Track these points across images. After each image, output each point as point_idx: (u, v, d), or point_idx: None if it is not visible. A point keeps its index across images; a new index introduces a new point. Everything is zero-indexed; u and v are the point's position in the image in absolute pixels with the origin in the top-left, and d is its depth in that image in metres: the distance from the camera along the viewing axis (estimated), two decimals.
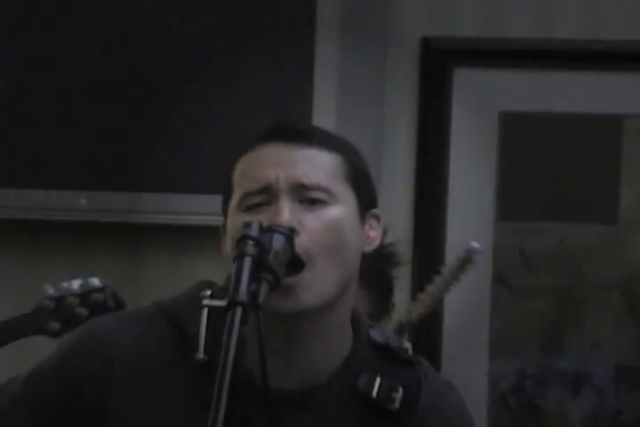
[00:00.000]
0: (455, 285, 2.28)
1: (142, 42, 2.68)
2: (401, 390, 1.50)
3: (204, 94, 2.58)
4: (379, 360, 1.53)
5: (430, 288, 2.25)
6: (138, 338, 1.55)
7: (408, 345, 1.57)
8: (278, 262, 1.32)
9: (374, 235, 1.44)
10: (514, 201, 2.70)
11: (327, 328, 1.47)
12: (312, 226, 1.39)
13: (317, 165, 1.44)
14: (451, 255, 2.56)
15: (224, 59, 2.54)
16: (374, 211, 1.42)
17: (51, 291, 2.33)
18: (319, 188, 1.41)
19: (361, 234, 1.44)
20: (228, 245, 1.47)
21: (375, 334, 1.52)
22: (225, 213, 1.50)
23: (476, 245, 2.23)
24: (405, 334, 2.31)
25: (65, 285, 2.33)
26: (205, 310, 1.38)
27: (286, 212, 1.37)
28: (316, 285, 1.42)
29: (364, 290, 1.97)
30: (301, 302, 1.38)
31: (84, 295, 2.32)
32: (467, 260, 2.23)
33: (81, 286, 2.33)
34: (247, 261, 1.30)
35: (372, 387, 1.50)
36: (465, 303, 2.61)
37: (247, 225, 1.32)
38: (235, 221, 1.44)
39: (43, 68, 2.71)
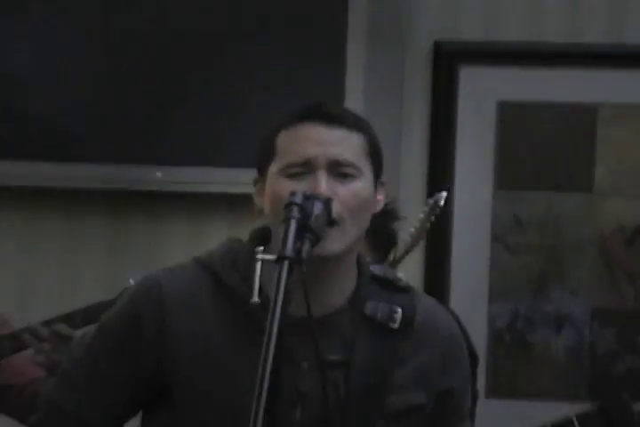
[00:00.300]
0: (429, 226, 2.62)
1: (196, 39, 3.00)
2: (399, 311, 1.71)
3: (256, 86, 2.94)
4: (380, 289, 1.74)
5: (410, 230, 2.59)
6: (183, 286, 1.76)
7: (402, 276, 1.83)
8: (318, 224, 1.52)
9: (381, 198, 1.66)
10: (509, 174, 3.10)
11: (341, 269, 1.67)
12: (343, 195, 1.60)
13: (349, 145, 1.64)
14: (457, 216, 3.04)
15: (273, 73, 2.92)
16: (382, 179, 1.65)
17: (132, 280, 2.60)
18: (349, 164, 1.62)
19: (375, 199, 1.65)
20: (266, 203, 1.68)
21: (375, 269, 1.74)
22: (261, 170, 1.72)
23: (443, 194, 2.56)
24: (397, 267, 2.61)
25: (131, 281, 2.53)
26: (259, 262, 1.55)
27: (324, 184, 1.58)
28: (341, 238, 1.63)
29: (367, 240, 2.18)
30: (328, 250, 1.58)
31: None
32: (436, 204, 2.57)
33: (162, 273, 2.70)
34: (293, 224, 1.50)
35: (377, 311, 1.71)
36: (469, 258, 3.06)
37: (293, 194, 1.53)
38: (276, 185, 1.65)
39: (129, 62, 3.06)
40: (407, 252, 2.65)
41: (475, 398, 2.61)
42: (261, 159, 1.70)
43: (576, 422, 1.99)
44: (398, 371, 1.74)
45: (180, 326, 1.73)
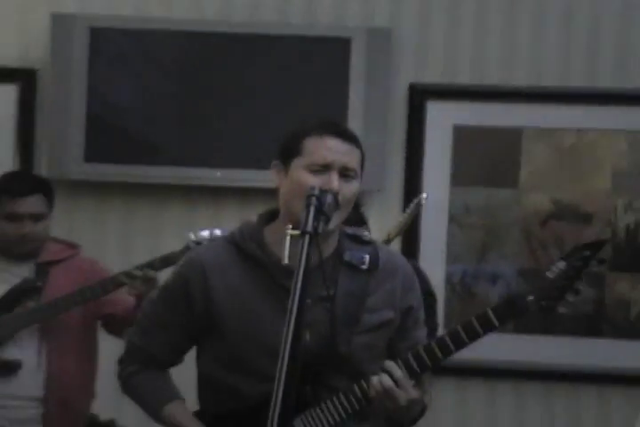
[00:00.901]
0: (413, 218, 3.40)
1: (244, 79, 3.85)
2: (367, 257, 2.21)
3: (290, 115, 3.76)
4: (352, 243, 2.25)
5: (399, 220, 3.37)
6: (215, 256, 2.24)
7: (367, 233, 2.36)
8: (329, 210, 1.99)
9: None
10: (461, 175, 4.02)
11: (333, 234, 2.16)
12: (345, 191, 2.11)
13: (353, 156, 2.15)
14: (426, 204, 3.78)
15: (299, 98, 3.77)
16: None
17: (192, 237, 3.21)
18: (353, 170, 2.13)
19: (358, 189, 2.15)
20: (288, 186, 2.15)
21: (348, 230, 2.25)
22: (284, 159, 2.17)
23: (424, 195, 3.41)
24: (390, 244, 3.28)
25: (201, 233, 3.18)
26: (287, 236, 1.99)
27: (336, 182, 2.07)
28: (339, 218, 2.12)
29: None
30: (331, 226, 2.06)
31: (212, 241, 3.02)
32: (419, 204, 3.37)
33: (209, 234, 3.17)
34: (312, 210, 1.97)
35: (352, 257, 2.20)
36: (433, 232, 3.98)
37: (312, 188, 2.00)
38: (301, 177, 2.11)
39: (199, 93, 3.89)
40: (398, 233, 3.42)
41: (435, 328, 3.29)
42: (287, 152, 2.18)
43: (491, 313, 2.16)
44: (370, 298, 2.20)
45: (217, 284, 2.22)
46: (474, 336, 2.09)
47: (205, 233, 3.17)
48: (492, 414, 4.08)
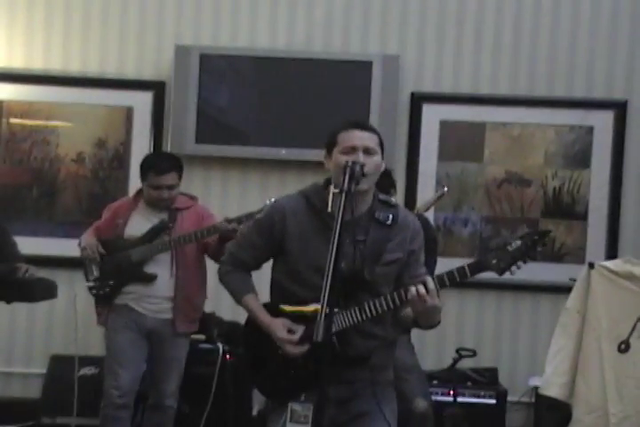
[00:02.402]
0: (436, 202, 4.11)
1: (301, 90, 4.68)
2: (391, 215, 2.62)
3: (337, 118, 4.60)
4: (382, 205, 2.64)
5: (428, 200, 4.10)
6: (292, 204, 2.68)
7: (394, 199, 2.74)
8: (358, 176, 2.47)
9: (381, 164, 2.59)
10: (445, 153, 4.92)
11: (365, 196, 2.56)
12: (370, 163, 2.56)
13: (372, 140, 2.62)
14: (421, 174, 4.78)
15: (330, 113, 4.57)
16: (383, 156, 2.58)
17: (268, 201, 3.55)
18: (372, 148, 2.60)
19: (381, 164, 2.58)
20: (333, 166, 2.55)
21: (380, 196, 2.64)
22: (328, 150, 2.60)
23: (445, 188, 4.07)
24: (423, 213, 3.76)
25: (272, 200, 3.34)
26: (331, 193, 2.45)
27: (362, 157, 2.55)
28: (366, 182, 2.53)
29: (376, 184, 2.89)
30: (362, 188, 2.50)
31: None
32: (442, 193, 4.09)
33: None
34: (347, 175, 2.46)
35: (380, 215, 2.61)
36: (425, 192, 4.77)
37: (347, 161, 2.49)
38: (339, 158, 2.57)
39: (273, 96, 4.70)
40: (424, 211, 4.02)
41: (435, 262, 3.85)
42: (329, 146, 2.65)
43: (467, 268, 2.49)
44: (390, 243, 2.61)
45: (291, 223, 2.66)
46: (453, 280, 2.52)
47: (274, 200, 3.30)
48: (460, 312, 4.99)
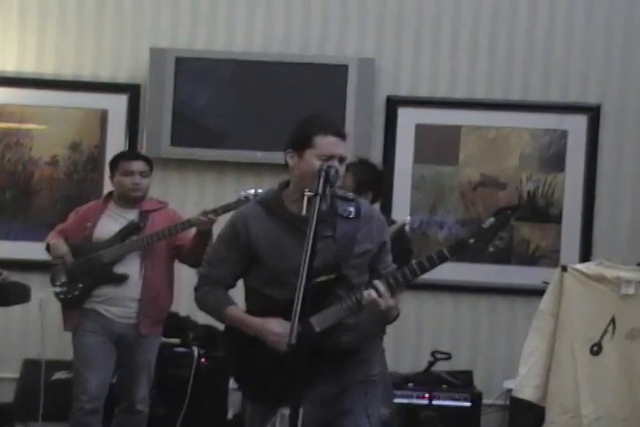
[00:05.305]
0: (400, 231, 3.67)
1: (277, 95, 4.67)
2: (352, 209, 2.65)
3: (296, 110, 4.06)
4: (341, 200, 2.67)
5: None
6: (252, 212, 2.70)
7: (351, 194, 2.73)
8: (333, 180, 2.52)
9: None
10: (421, 156, 4.94)
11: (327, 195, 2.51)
12: (341, 170, 2.61)
13: (345, 148, 2.64)
14: (396, 176, 4.76)
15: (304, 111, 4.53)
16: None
17: (242, 193, 3.75)
18: (345, 157, 2.64)
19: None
20: (302, 169, 2.54)
21: (339, 192, 2.66)
22: (298, 149, 2.57)
23: (408, 217, 3.89)
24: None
25: (247, 191, 3.71)
26: (306, 197, 2.46)
27: (336, 164, 2.59)
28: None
29: (351, 173, 3.50)
30: (333, 190, 2.53)
31: (255, 196, 3.48)
32: (403, 223, 3.71)
33: (253, 191, 3.65)
34: (322, 179, 2.49)
35: (342, 209, 2.65)
36: (400, 196, 4.82)
37: (322, 166, 2.52)
38: (314, 162, 2.56)
39: (247, 99, 4.68)
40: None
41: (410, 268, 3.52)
42: (300, 144, 2.59)
43: (445, 250, 2.51)
44: (358, 235, 2.64)
45: (254, 230, 2.67)
46: (433, 264, 2.52)
47: (251, 191, 3.76)
48: (436, 315, 5.03)
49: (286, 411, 2.40)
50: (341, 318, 2.56)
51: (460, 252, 2.52)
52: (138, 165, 4.08)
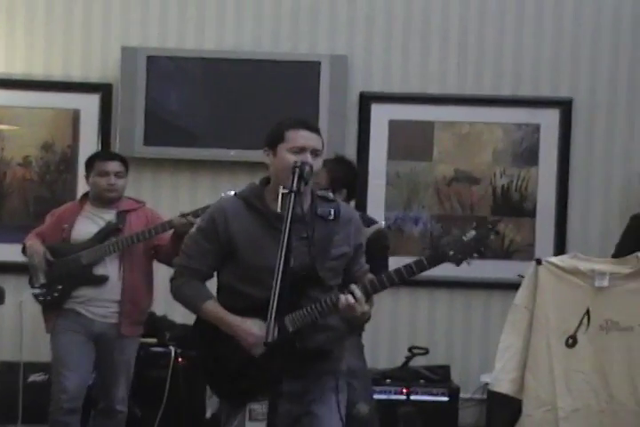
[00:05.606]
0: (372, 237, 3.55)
1: (248, 94, 4.69)
2: (332, 210, 2.65)
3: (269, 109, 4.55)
4: (322, 201, 2.67)
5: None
6: (232, 206, 2.66)
7: (331, 195, 2.75)
8: (307, 176, 2.49)
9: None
10: (395, 152, 4.94)
11: (306, 194, 2.55)
12: (315, 165, 2.58)
13: (319, 142, 2.63)
14: (371, 173, 4.79)
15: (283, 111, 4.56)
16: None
17: (223, 194, 3.25)
18: (318, 150, 2.61)
19: (321, 165, 2.61)
20: (277, 164, 2.54)
21: (319, 192, 2.69)
22: (271, 145, 2.58)
23: (382, 222, 3.95)
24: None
25: (228, 192, 3.17)
26: (280, 193, 2.46)
27: (309, 158, 2.56)
28: (310, 183, 2.52)
29: (326, 170, 3.40)
30: (306, 189, 2.50)
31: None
32: (379, 227, 3.68)
33: (234, 193, 2.93)
34: (296, 175, 2.46)
35: (322, 211, 2.63)
36: (376, 192, 4.87)
37: (296, 161, 2.49)
38: (286, 157, 2.55)
39: (219, 99, 4.67)
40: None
41: (386, 266, 3.64)
42: (273, 140, 2.62)
43: (424, 260, 2.54)
44: (335, 237, 2.65)
45: (233, 224, 2.64)
46: (411, 274, 2.57)
47: (231, 192, 3.17)
48: (412, 310, 5.06)
49: (255, 406, 2.46)
50: (315, 320, 2.57)
51: (439, 262, 2.55)
52: (113, 166, 4.08)
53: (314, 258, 2.51)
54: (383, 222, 4.07)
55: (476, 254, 2.53)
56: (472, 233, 2.53)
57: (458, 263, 2.55)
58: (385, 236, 3.85)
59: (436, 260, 2.54)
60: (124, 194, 4.18)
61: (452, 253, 2.53)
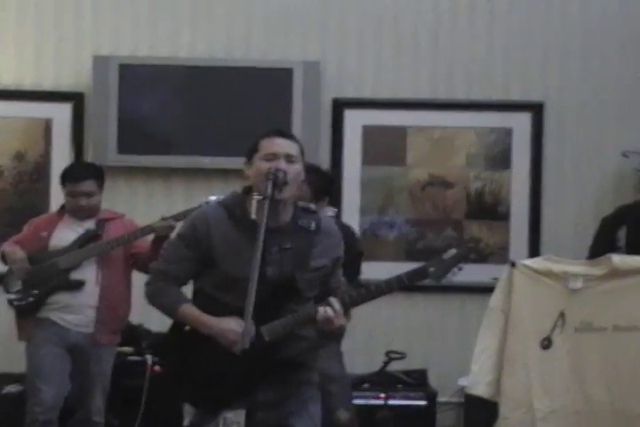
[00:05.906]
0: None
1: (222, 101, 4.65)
2: (313, 222, 2.67)
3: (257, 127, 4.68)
4: (303, 213, 2.69)
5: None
6: (214, 214, 2.67)
7: (313, 206, 2.80)
8: (281, 183, 2.54)
9: (303, 171, 2.63)
10: (369, 158, 4.96)
11: (287, 204, 2.59)
12: (291, 171, 2.60)
13: (292, 147, 2.65)
14: (345, 179, 4.82)
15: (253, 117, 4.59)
16: (304, 163, 2.64)
17: (204, 199, 3.66)
18: (293, 156, 2.63)
19: (302, 172, 2.63)
20: (254, 173, 2.54)
21: (301, 204, 2.71)
22: (249, 158, 2.62)
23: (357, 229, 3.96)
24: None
25: (210, 198, 3.61)
26: (254, 200, 2.51)
27: (284, 165, 2.58)
28: (288, 191, 2.56)
29: (306, 183, 3.09)
30: (283, 196, 2.54)
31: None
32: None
33: (216, 198, 3.37)
34: (270, 183, 2.52)
35: (303, 222, 2.66)
36: (351, 197, 4.89)
37: (270, 168, 2.53)
38: (260, 164, 2.58)
39: (195, 106, 4.71)
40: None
41: (359, 274, 3.84)
42: (250, 152, 2.67)
43: (404, 276, 2.60)
44: (314, 249, 2.67)
45: (214, 232, 2.66)
46: (391, 289, 2.62)
47: (213, 198, 3.68)
48: (389, 315, 5.04)
49: (228, 414, 2.46)
50: (291, 330, 2.60)
51: (419, 279, 2.62)
52: (83, 186, 4.06)
53: (292, 269, 2.55)
54: (357, 228, 4.08)
55: (454, 272, 2.61)
56: (452, 251, 2.60)
57: (437, 280, 2.62)
58: (358, 241, 3.92)
59: (415, 276, 2.61)
60: (101, 206, 4.19)
61: (431, 269, 2.60)
